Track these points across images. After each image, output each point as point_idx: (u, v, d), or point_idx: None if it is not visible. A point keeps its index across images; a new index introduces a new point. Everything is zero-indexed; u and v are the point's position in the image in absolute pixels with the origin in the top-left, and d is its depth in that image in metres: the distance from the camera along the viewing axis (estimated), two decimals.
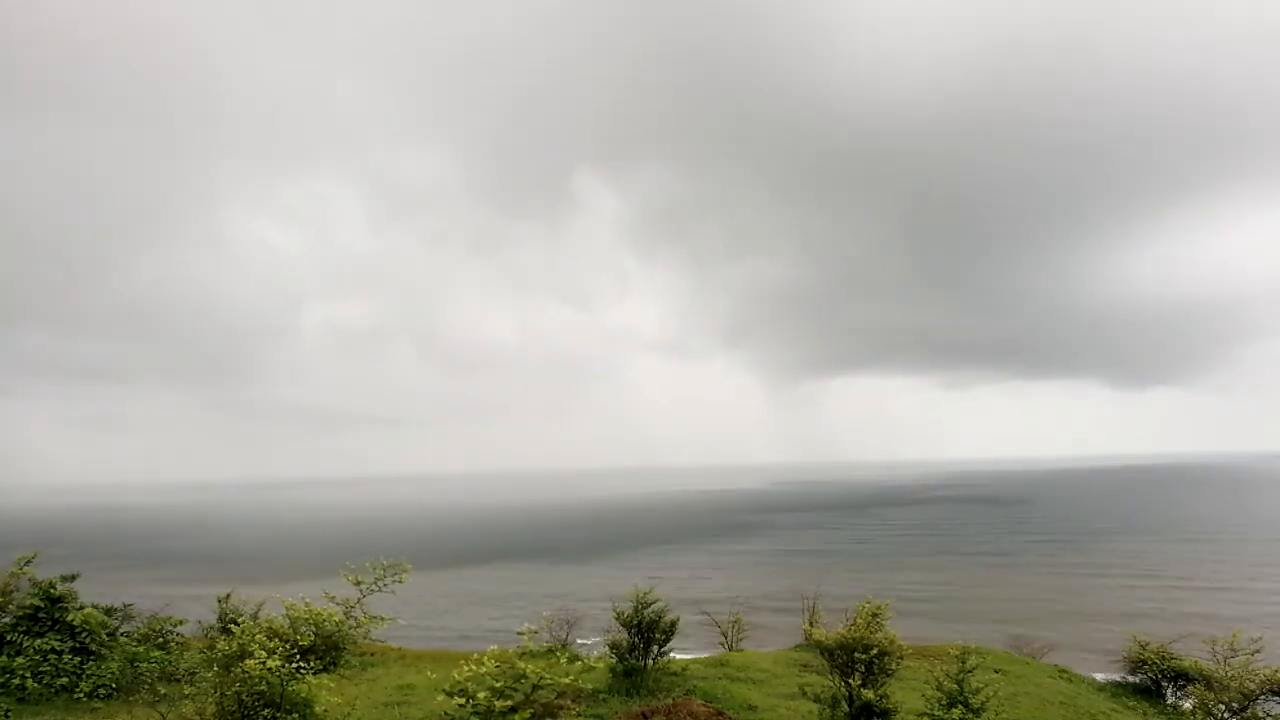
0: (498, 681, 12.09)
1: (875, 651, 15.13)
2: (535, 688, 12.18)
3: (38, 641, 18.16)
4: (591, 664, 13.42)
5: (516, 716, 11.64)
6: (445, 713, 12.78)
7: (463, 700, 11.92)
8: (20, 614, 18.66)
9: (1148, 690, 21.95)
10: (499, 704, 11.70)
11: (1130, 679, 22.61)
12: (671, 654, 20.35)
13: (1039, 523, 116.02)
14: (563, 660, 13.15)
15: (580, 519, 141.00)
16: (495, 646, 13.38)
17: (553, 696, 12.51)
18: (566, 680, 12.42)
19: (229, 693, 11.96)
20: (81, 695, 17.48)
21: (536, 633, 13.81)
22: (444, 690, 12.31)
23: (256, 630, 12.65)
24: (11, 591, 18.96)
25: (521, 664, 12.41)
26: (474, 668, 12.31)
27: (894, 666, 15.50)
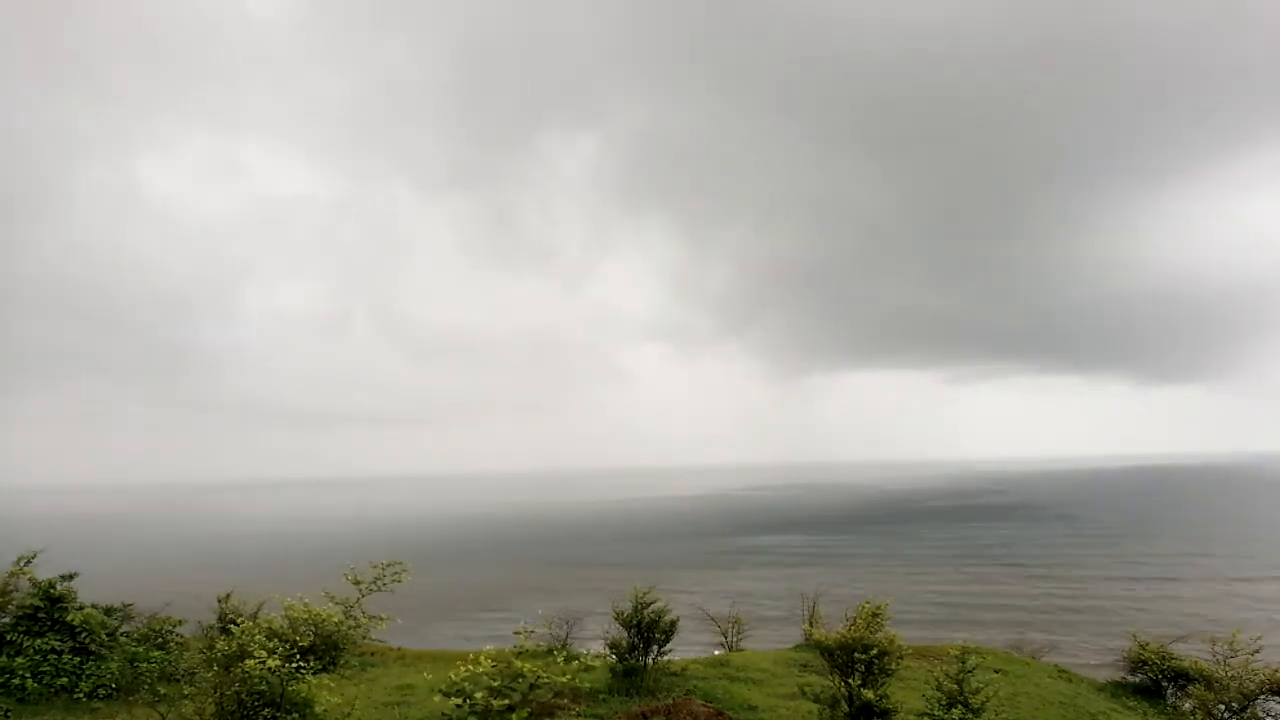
0: (495, 681, 12.11)
1: (875, 651, 15.13)
2: (532, 686, 12.19)
3: (38, 641, 18.15)
4: (589, 663, 13.43)
5: (514, 716, 11.65)
6: (443, 713, 12.79)
7: (460, 700, 11.93)
8: (20, 614, 18.65)
9: (1148, 690, 21.93)
10: (496, 703, 11.71)
11: (1130, 679, 22.58)
12: (671, 654, 20.34)
13: (1040, 524, 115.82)
14: (560, 660, 13.16)
15: (526, 536, 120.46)
16: (492, 646, 13.40)
17: (550, 696, 12.52)
18: (564, 679, 12.43)
19: (229, 693, 11.99)
20: (81, 695, 17.48)
21: (533, 632, 13.84)
22: (441, 691, 12.33)
23: (256, 630, 12.68)
24: (11, 591, 18.97)
25: (518, 663, 12.42)
26: (471, 668, 12.33)
27: (894, 666, 15.50)
